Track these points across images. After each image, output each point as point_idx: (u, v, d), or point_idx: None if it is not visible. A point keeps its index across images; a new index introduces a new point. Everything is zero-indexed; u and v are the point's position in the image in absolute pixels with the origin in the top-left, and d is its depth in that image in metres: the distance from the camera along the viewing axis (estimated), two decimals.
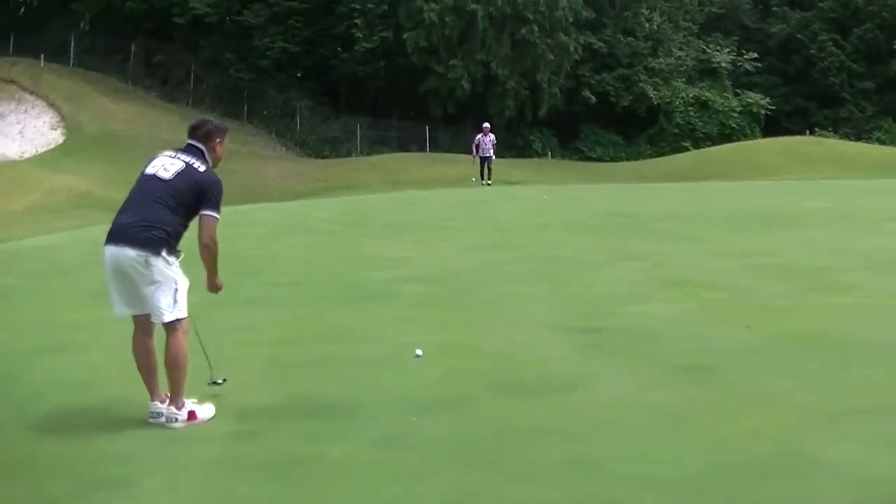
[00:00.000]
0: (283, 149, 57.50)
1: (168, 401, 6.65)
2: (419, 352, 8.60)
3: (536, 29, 62.33)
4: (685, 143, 72.39)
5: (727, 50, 78.39)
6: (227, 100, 59.82)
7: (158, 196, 6.50)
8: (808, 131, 73.14)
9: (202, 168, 6.67)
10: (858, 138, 72.21)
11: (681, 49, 74.72)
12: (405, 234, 19.32)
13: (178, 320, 6.55)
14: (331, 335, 9.70)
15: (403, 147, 59.89)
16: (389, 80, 63.41)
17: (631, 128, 72.66)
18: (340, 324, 10.27)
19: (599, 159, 69.00)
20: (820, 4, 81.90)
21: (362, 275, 13.82)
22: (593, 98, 69.06)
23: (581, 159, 68.87)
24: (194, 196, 6.56)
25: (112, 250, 6.47)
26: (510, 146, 59.07)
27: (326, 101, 63.90)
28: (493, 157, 37.93)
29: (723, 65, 77.12)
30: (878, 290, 11.80)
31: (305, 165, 52.48)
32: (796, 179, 45.01)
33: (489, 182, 36.95)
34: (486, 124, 39.11)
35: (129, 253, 6.37)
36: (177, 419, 6.61)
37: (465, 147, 60.88)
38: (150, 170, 6.69)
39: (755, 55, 78.92)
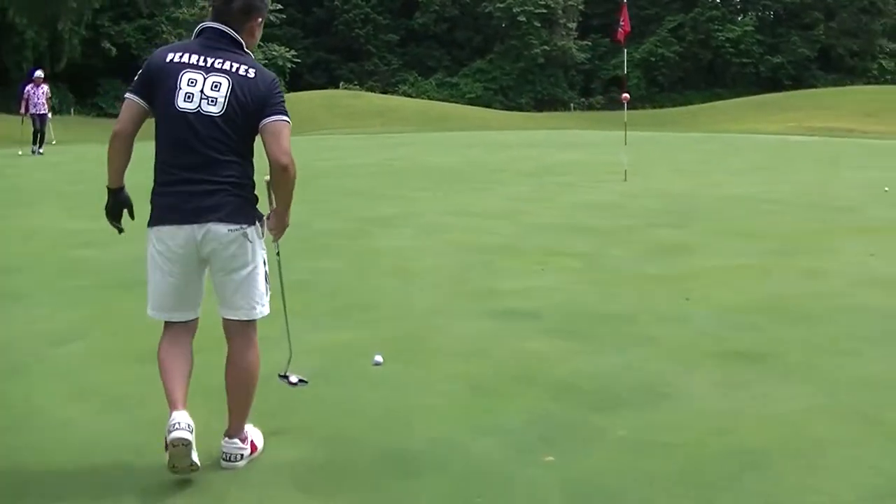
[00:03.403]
0: None
1: (226, 437, 4.59)
2: (379, 358, 6.38)
3: None
4: None
5: None
6: None
7: (216, 144, 4.33)
8: (339, 85, 73.73)
9: (252, 72, 4.41)
10: (384, 92, 73.80)
11: None
12: (34, 202, 16.08)
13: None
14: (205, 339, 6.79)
15: None
16: None
17: None
18: None
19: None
20: None
21: (73, 253, 10.86)
22: (114, 50, 65.22)
23: (100, 116, 65.17)
24: (258, 118, 4.39)
25: (181, 234, 4.36)
26: None
27: None
28: (49, 115, 29.51)
29: None
30: (722, 250, 10.84)
31: None
32: (351, 133, 44.76)
33: (41, 151, 28.38)
34: (39, 72, 30.23)
35: (218, 230, 4.34)
36: (241, 456, 4.57)
37: None
38: (184, 102, 4.33)
39: (278, 6, 78.22)
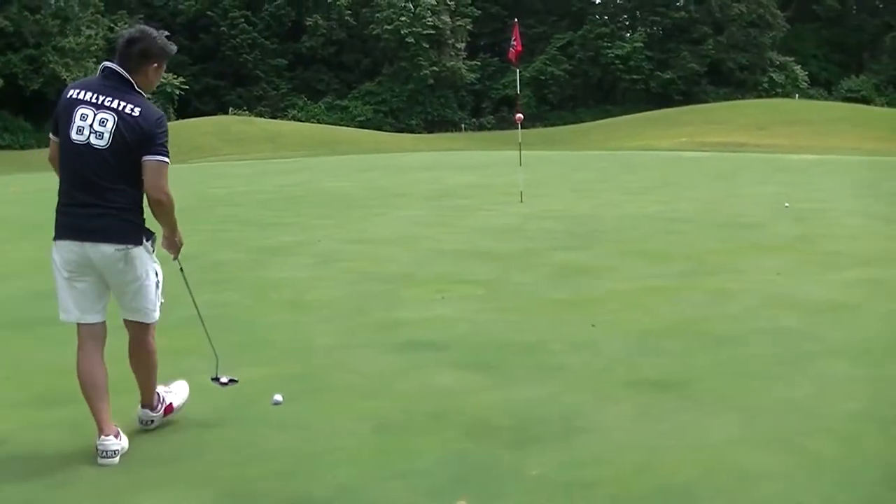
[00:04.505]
0: None
1: (140, 406, 5.57)
2: (279, 397, 6.11)
3: None
4: None
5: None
6: None
7: (104, 173, 4.97)
8: (228, 111, 73.01)
9: (137, 111, 4.99)
10: (274, 116, 73.32)
11: (89, 27, 71.37)
12: None
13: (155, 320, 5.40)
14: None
15: None
16: None
17: (41, 112, 68.13)
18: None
19: (9, 147, 64.48)
20: None
21: None
22: (0, 81, 64.07)
23: None
24: (140, 153, 5.00)
25: (75, 249, 5.03)
26: None
27: None
28: None
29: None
30: (628, 273, 10.65)
31: None
32: (242, 159, 44.25)
33: None
34: None
35: (105, 249, 5.00)
36: (153, 421, 5.56)
37: None
38: (76, 135, 4.98)
39: (166, 33, 77.24)
